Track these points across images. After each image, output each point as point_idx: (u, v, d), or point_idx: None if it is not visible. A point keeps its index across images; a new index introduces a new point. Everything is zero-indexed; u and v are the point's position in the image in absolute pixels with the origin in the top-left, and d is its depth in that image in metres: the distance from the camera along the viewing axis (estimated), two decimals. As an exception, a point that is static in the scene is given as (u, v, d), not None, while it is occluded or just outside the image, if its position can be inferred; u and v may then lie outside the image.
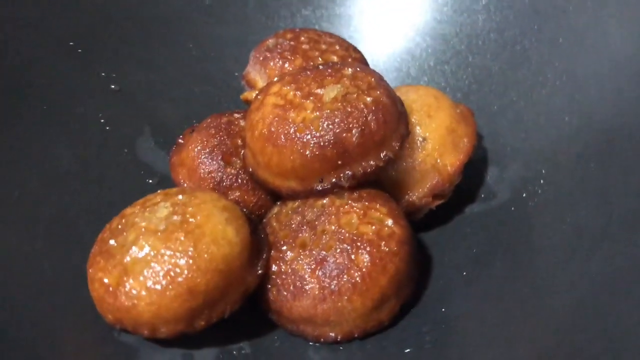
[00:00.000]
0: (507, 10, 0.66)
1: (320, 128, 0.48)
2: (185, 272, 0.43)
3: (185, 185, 0.55)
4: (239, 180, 0.54)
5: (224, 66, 0.71)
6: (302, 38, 0.63)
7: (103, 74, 0.66)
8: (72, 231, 0.55)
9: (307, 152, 0.48)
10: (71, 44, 0.65)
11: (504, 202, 0.57)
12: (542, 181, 0.56)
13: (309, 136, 0.48)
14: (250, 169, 0.53)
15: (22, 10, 0.63)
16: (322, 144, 0.48)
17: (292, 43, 0.62)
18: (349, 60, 0.62)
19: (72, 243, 0.54)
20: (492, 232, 0.55)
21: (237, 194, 0.54)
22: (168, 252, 0.44)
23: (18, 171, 0.57)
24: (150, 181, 0.62)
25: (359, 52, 0.65)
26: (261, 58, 0.62)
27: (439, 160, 0.54)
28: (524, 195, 0.56)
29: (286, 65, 0.60)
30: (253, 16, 0.73)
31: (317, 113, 0.49)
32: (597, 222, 0.48)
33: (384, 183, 0.53)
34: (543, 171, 0.56)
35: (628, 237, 0.46)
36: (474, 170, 0.59)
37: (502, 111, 0.62)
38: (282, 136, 0.49)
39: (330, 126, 0.48)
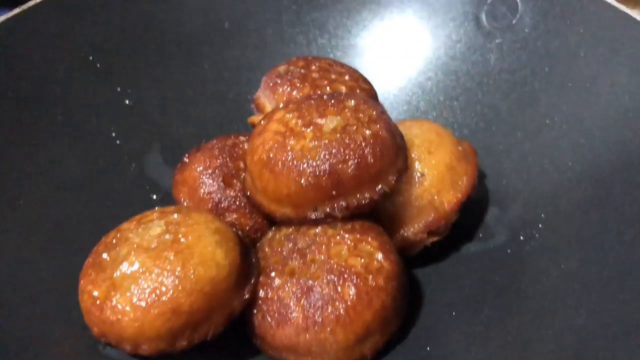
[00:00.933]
0: (519, 50, 0.66)
1: (317, 157, 0.49)
2: (171, 291, 0.44)
3: (185, 203, 0.56)
4: (237, 203, 0.55)
5: (237, 88, 0.72)
6: (313, 67, 0.64)
7: (118, 89, 0.68)
8: (72, 240, 0.56)
9: (303, 181, 0.49)
10: (90, 58, 0.67)
11: (501, 244, 0.57)
12: (540, 225, 0.55)
13: (305, 165, 0.49)
14: (248, 193, 0.54)
15: (46, 25, 0.65)
16: (317, 173, 0.48)
17: (302, 71, 0.64)
18: (357, 91, 0.63)
19: (70, 252, 0.55)
20: (486, 273, 0.54)
21: (234, 216, 0.55)
22: (156, 270, 0.44)
23: (27, 178, 0.59)
24: (154, 197, 0.64)
25: (368, 83, 0.66)
26: (271, 84, 0.63)
27: (436, 197, 0.54)
28: (522, 238, 0.56)
29: (294, 92, 0.61)
30: (270, 41, 0.74)
31: (316, 142, 0.49)
32: (589, 272, 0.48)
33: (379, 216, 0.54)
34: (542, 215, 0.56)
35: (617, 290, 0.45)
36: (474, 208, 0.59)
37: (507, 151, 0.62)
38: (279, 163, 0.50)
39: (327, 156, 0.48)
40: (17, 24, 0.64)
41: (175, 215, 0.49)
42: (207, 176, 0.56)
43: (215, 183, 0.56)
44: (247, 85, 0.72)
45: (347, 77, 0.64)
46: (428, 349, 0.49)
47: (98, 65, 0.68)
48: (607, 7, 0.60)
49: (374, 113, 0.52)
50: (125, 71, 0.69)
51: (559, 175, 0.57)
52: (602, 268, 0.48)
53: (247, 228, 0.55)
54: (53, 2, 0.66)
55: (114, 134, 0.66)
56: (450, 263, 0.57)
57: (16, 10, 0.63)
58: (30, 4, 0.64)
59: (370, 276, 0.47)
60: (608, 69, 0.58)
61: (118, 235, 0.49)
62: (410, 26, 0.72)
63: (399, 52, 0.72)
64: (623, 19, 0.59)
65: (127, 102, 0.68)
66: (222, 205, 0.55)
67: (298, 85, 0.62)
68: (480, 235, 0.58)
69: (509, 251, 0.55)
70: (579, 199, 0.54)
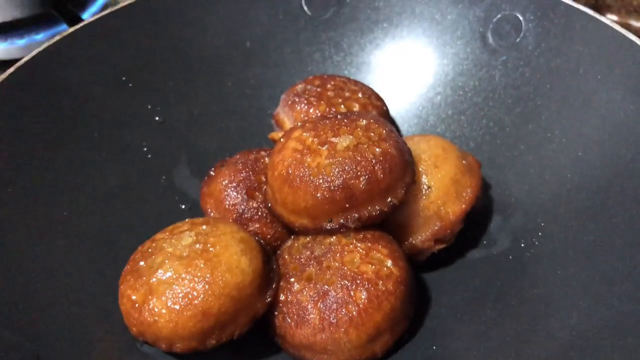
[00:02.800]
0: (523, 67, 0.70)
1: (332, 173, 0.53)
2: (202, 295, 0.49)
3: (212, 213, 0.62)
4: (259, 214, 0.60)
5: (258, 104, 0.77)
6: (329, 85, 0.69)
7: (149, 106, 0.73)
8: (111, 248, 0.62)
9: (319, 195, 0.53)
10: (123, 78, 0.73)
11: (504, 250, 0.61)
12: (540, 233, 0.59)
13: (321, 180, 0.54)
14: (269, 204, 0.59)
15: (83, 49, 0.71)
16: (332, 188, 0.53)
17: (318, 89, 0.68)
18: (369, 108, 0.67)
19: (110, 259, 0.60)
20: (489, 278, 0.59)
21: (257, 225, 0.60)
22: (188, 277, 0.50)
23: (69, 191, 0.64)
24: (183, 207, 0.69)
25: (380, 99, 0.71)
26: (290, 102, 0.68)
27: (442, 208, 0.58)
28: (522, 245, 0.60)
29: (311, 110, 0.66)
30: (289, 59, 0.79)
31: (330, 160, 0.54)
32: (583, 277, 0.52)
33: (389, 226, 0.58)
34: (542, 224, 0.60)
35: (607, 295, 0.49)
36: (478, 217, 0.64)
37: (510, 163, 0.66)
38: (297, 178, 0.54)
39: (341, 173, 0.53)
40: (57, 48, 0.69)
41: (204, 227, 0.54)
42: (232, 189, 0.62)
43: (239, 195, 0.61)
44: (267, 101, 0.77)
45: (360, 95, 0.69)
46: (434, 347, 0.54)
47: (130, 85, 0.74)
48: (605, 27, 0.64)
49: (384, 132, 0.57)
50: (155, 90, 0.75)
51: (559, 187, 0.61)
52: (594, 274, 0.52)
53: (269, 237, 0.60)
54: (89, 27, 0.72)
55: (145, 149, 0.71)
56: (455, 268, 0.61)
57: (57, 37, 0.69)
58: (69, 30, 0.70)
59: (381, 282, 0.52)
60: (605, 86, 0.62)
61: (153, 244, 0.54)
62: (420, 44, 0.76)
63: (409, 68, 0.77)
64: (620, 39, 0.62)
65: (157, 118, 0.74)
66: (246, 215, 0.60)
67: (314, 103, 0.67)
68: (484, 242, 0.63)
69: (510, 257, 0.60)
70: (576, 209, 0.58)
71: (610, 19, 0.65)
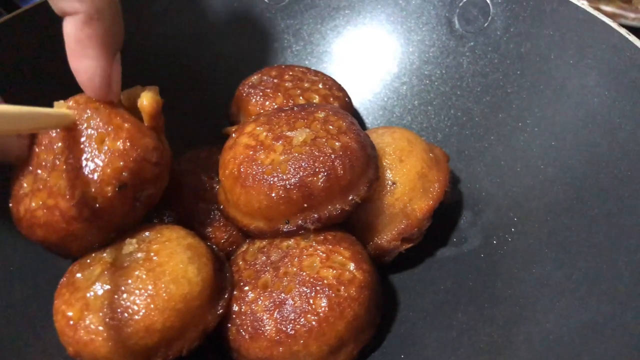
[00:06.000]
0: (492, 53, 0.66)
1: (287, 171, 0.49)
2: (143, 310, 0.44)
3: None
4: (211, 216, 0.56)
5: (213, 98, 0.72)
6: (286, 76, 0.65)
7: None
8: (49, 256, 0.56)
9: (274, 194, 0.49)
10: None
11: (475, 248, 0.57)
12: (512, 229, 0.56)
13: (275, 179, 0.49)
14: (222, 206, 0.54)
15: (36, 29, 0.65)
16: (288, 186, 0.49)
17: (275, 80, 0.64)
18: (330, 99, 0.63)
19: (46, 269, 0.55)
20: (460, 278, 0.55)
21: (209, 229, 0.55)
22: (128, 290, 0.45)
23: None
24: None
25: (342, 90, 0.66)
26: (244, 94, 0.63)
27: (408, 205, 0.54)
28: (495, 242, 0.56)
29: (267, 102, 0.61)
30: (245, 50, 0.74)
31: (286, 156, 0.50)
32: (559, 276, 0.48)
33: (352, 225, 0.54)
34: (515, 219, 0.56)
35: (585, 294, 0.46)
36: (448, 213, 0.60)
37: (480, 154, 0.63)
38: (250, 177, 0.50)
39: (297, 170, 0.49)
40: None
41: (147, 233, 0.49)
42: (182, 190, 0.57)
43: (189, 197, 0.56)
44: (223, 95, 0.72)
45: (320, 85, 0.64)
46: (402, 356, 0.50)
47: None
48: (576, 10, 0.60)
49: (344, 124, 0.53)
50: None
51: (531, 178, 0.58)
52: (571, 272, 0.48)
53: (222, 241, 0.55)
54: (26, 14, 0.66)
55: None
56: (424, 269, 0.57)
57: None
58: (4, 18, 0.64)
59: (342, 287, 0.48)
60: (578, 71, 0.58)
61: (93, 254, 0.49)
62: (383, 31, 0.72)
63: (373, 57, 0.73)
64: (592, 22, 0.59)
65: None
66: (197, 219, 0.55)
67: (270, 95, 0.62)
68: (454, 240, 0.59)
69: (482, 255, 0.56)
70: (550, 202, 0.55)
71: (581, 2, 0.61)
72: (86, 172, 0.45)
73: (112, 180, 0.45)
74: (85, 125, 0.46)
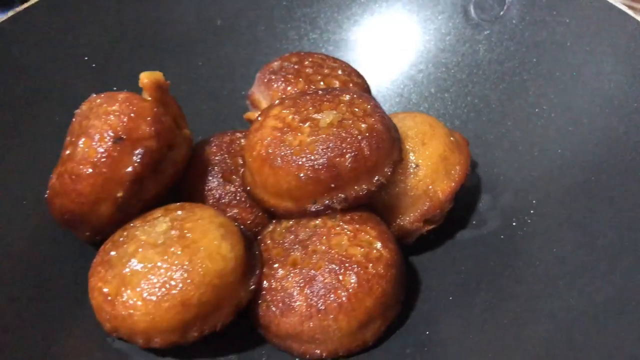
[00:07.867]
0: (507, 41, 0.67)
1: (315, 152, 0.50)
2: (180, 285, 0.45)
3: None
4: (237, 198, 0.57)
5: (231, 85, 0.73)
6: (306, 62, 0.66)
7: (115, 88, 0.68)
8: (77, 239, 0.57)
9: (302, 175, 0.50)
10: (86, 59, 0.68)
11: (494, 230, 0.58)
12: (532, 211, 0.57)
13: (304, 159, 0.50)
14: (248, 188, 0.55)
15: (41, 26, 0.66)
16: (316, 167, 0.50)
17: (296, 66, 0.65)
18: (350, 85, 0.64)
19: (77, 249, 0.56)
20: (480, 259, 0.56)
21: (235, 211, 0.56)
22: (164, 265, 0.46)
23: (28, 176, 0.59)
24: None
25: (361, 77, 0.67)
26: (265, 80, 0.64)
27: (430, 187, 0.55)
28: (514, 224, 0.57)
29: (289, 88, 0.62)
30: (262, 38, 0.75)
31: (313, 137, 0.51)
32: (580, 255, 0.50)
33: (376, 206, 0.55)
34: (534, 202, 0.58)
35: (607, 271, 0.47)
36: (467, 197, 0.61)
37: (497, 140, 0.64)
38: (278, 158, 0.51)
39: (325, 150, 0.50)
40: (13, 26, 0.64)
41: (180, 212, 0.50)
42: (207, 173, 0.58)
43: (215, 179, 0.57)
44: (241, 82, 0.73)
45: (340, 72, 0.65)
46: (427, 333, 0.51)
47: (93, 65, 0.69)
48: (591, -3, 0.62)
49: (369, 107, 0.54)
50: (120, 71, 0.70)
51: (549, 162, 0.59)
52: (591, 251, 0.50)
53: (249, 222, 0.56)
54: (47, 3, 0.67)
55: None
56: (445, 250, 0.59)
57: (11, 13, 0.64)
58: (24, 6, 0.65)
59: (370, 264, 0.49)
60: (594, 57, 0.60)
61: (125, 233, 0.50)
62: (400, 20, 0.74)
63: (389, 45, 0.74)
64: (608, 9, 0.61)
65: (123, 101, 0.69)
66: (223, 200, 0.56)
67: (292, 80, 0.63)
68: (474, 222, 0.60)
69: (502, 237, 0.57)
70: (568, 185, 0.56)
71: (595, -10, 0.63)
72: (88, 134, 0.49)
73: (108, 133, 0.49)
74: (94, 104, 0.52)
